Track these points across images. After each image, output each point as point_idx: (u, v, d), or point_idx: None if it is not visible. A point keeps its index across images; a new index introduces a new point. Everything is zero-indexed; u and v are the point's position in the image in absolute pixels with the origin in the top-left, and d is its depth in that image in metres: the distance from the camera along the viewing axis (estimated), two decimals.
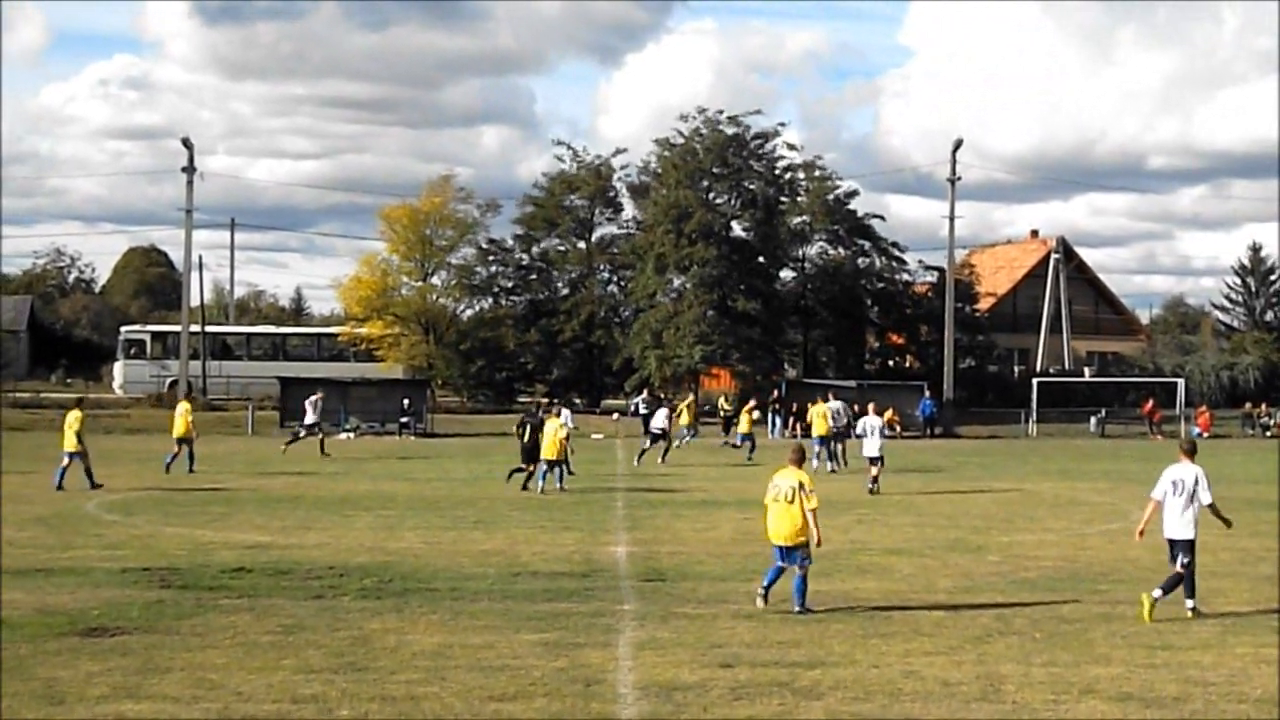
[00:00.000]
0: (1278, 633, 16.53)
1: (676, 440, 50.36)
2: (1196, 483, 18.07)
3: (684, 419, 52.91)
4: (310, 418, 50.86)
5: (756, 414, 53.45)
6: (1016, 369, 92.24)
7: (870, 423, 37.89)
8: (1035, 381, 78.83)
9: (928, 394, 70.47)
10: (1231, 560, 23.15)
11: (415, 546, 24.15)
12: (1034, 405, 75.50)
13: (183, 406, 41.52)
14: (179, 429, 40.15)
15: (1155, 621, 17.11)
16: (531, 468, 36.07)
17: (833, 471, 41.67)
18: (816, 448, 43.29)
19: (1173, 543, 18.12)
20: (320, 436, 50.28)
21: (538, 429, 36.15)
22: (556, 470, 35.49)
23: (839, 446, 44.47)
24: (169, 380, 76.10)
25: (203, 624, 16.44)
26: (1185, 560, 17.88)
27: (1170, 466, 18.46)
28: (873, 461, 36.79)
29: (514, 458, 36.98)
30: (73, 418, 35.24)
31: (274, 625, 16.34)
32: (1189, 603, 17.85)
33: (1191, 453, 18.69)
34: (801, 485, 17.85)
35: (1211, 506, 18.07)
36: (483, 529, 26.95)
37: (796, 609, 17.56)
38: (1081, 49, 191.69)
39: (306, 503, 31.90)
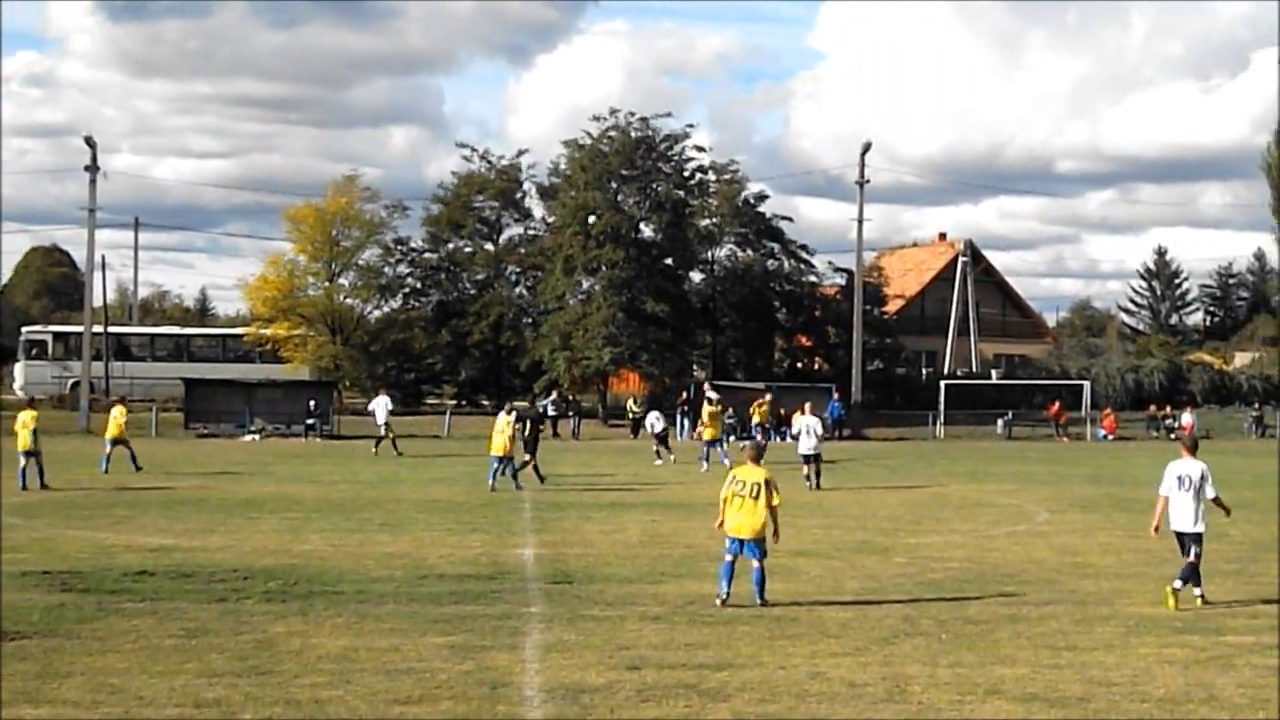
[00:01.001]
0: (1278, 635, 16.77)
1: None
2: (1203, 478, 18.87)
3: (755, 419, 52.22)
4: (381, 418, 52.34)
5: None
6: (924, 371, 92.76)
7: (807, 422, 38.33)
8: (943, 384, 79.53)
9: (836, 396, 70.79)
10: (1136, 561, 23.38)
11: (320, 549, 23.98)
12: (941, 407, 76.14)
13: (118, 410, 42.11)
14: (113, 430, 40.64)
15: (1058, 622, 17.27)
16: (533, 460, 37.83)
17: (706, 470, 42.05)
18: (705, 449, 44.67)
19: (1181, 535, 18.98)
20: (391, 436, 51.51)
21: (538, 423, 37.58)
22: (509, 467, 36.40)
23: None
24: (71, 381, 75.32)
25: (104, 628, 16.22)
26: (1196, 551, 18.74)
27: (1173, 463, 19.28)
28: (808, 460, 37.43)
29: (419, 461, 36.92)
30: (28, 417, 36.11)
31: (177, 629, 16.15)
32: (1197, 591, 18.78)
33: (1194, 448, 19.52)
34: (768, 482, 18.26)
35: (1216, 499, 18.92)
36: (389, 531, 26.80)
37: (759, 602, 18.03)
38: (992, 52, 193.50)
39: (210, 505, 31.62)
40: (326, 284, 78.49)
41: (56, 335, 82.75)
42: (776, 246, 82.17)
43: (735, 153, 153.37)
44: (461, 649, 15.14)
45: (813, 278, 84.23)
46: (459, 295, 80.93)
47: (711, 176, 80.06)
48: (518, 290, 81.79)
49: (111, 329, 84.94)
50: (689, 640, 15.82)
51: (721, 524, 18.49)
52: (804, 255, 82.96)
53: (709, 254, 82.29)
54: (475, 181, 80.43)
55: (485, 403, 77.25)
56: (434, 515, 29.83)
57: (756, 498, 18.17)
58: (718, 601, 18.07)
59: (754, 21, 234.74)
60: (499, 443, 36.30)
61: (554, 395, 70.88)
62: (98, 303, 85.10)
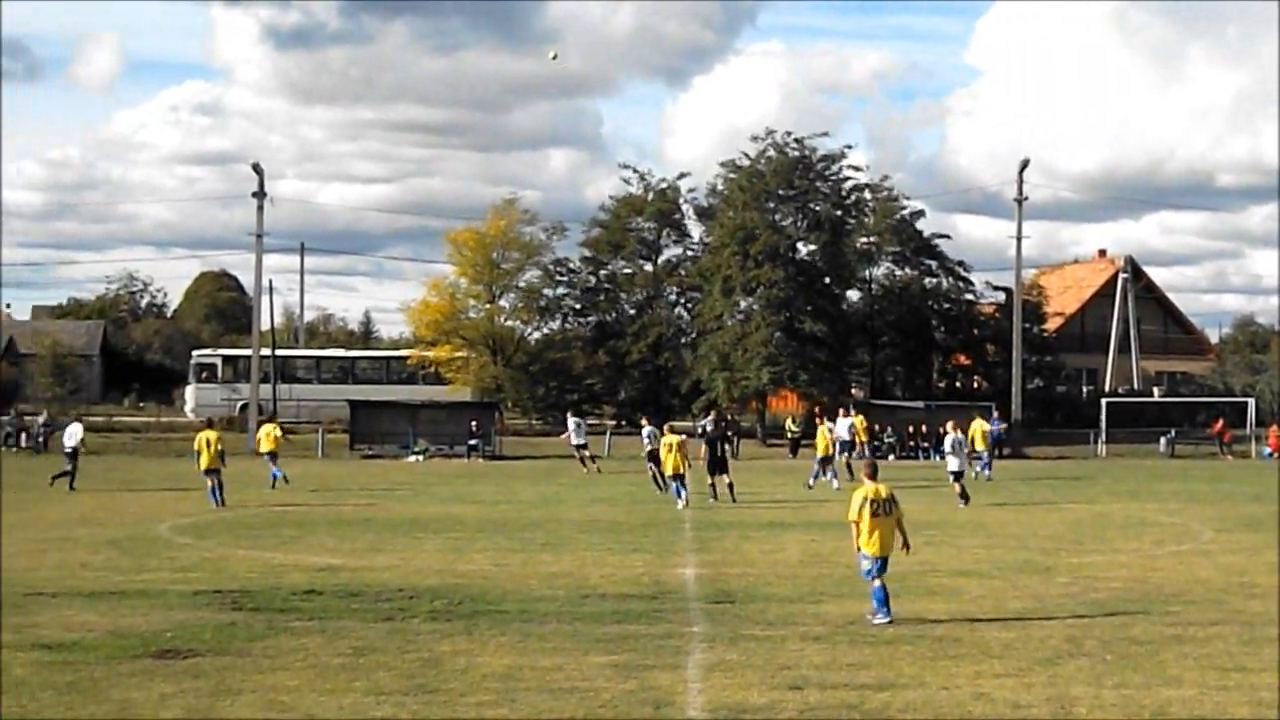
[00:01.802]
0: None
1: (979, 469, 49.19)
2: None
3: (979, 444, 51.59)
4: (576, 439, 54.10)
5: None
6: (1085, 389, 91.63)
7: (956, 439, 38.33)
8: (1104, 402, 78.43)
9: (996, 415, 70.19)
10: None
11: (484, 569, 24.22)
12: (1103, 425, 75.14)
13: (270, 427, 44.17)
14: (268, 445, 42.56)
15: (1225, 643, 17.03)
16: (713, 480, 38.47)
17: (838, 489, 41.85)
18: (815, 467, 44.98)
19: None
20: (587, 454, 53.67)
21: (725, 442, 38.20)
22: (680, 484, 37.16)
23: (846, 459, 46.38)
24: (240, 403, 76.73)
25: (274, 646, 16.53)
26: None
27: None
28: (958, 477, 37.51)
29: (579, 481, 37.21)
30: (214, 436, 37.19)
31: (345, 647, 16.41)
32: None
33: None
34: (893, 497, 18.55)
35: None
36: (551, 551, 27.01)
37: (888, 619, 18.10)
38: (1150, 67, 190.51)
39: (376, 525, 32.07)
40: (487, 306, 79.33)
41: (225, 358, 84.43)
42: (934, 264, 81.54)
43: (892, 171, 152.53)
44: (625, 668, 15.24)
45: (971, 296, 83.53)
46: (618, 316, 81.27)
47: (868, 195, 79.83)
48: (676, 311, 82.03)
49: (278, 352, 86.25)
50: (851, 660, 15.81)
51: (859, 546, 18.51)
52: (962, 273, 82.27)
53: (866, 272, 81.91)
54: (634, 203, 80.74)
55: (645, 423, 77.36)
56: (595, 535, 30.02)
57: (890, 514, 18.42)
58: (871, 619, 18.09)
59: (910, 39, 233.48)
60: (674, 461, 36.85)
61: (712, 414, 70.89)
62: (265, 326, 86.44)
